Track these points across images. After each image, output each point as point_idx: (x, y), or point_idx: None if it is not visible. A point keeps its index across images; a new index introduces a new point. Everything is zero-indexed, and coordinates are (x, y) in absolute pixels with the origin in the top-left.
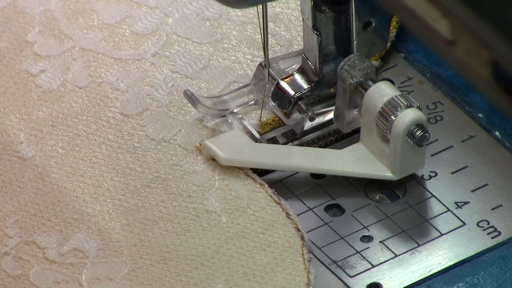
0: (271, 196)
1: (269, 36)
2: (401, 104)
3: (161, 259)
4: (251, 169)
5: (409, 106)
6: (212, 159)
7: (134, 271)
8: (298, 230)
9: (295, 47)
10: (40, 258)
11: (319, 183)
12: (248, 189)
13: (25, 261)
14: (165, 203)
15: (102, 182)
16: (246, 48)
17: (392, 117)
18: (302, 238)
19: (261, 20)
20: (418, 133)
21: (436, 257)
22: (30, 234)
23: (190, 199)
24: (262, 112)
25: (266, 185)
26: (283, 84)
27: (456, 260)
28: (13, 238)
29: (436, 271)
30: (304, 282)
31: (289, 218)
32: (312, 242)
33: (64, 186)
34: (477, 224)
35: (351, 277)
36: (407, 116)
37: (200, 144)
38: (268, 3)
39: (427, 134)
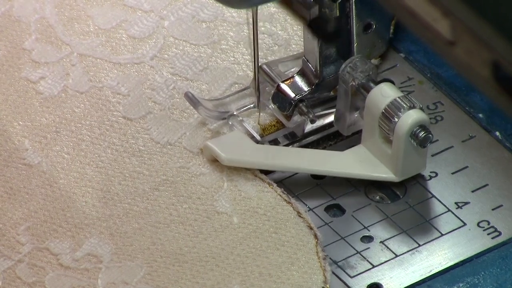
0: (280, 196)
1: (266, 36)
2: (404, 105)
3: (176, 262)
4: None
5: (412, 107)
6: (216, 160)
7: (149, 274)
8: (311, 228)
9: (293, 46)
10: (55, 265)
11: (320, 184)
12: (257, 189)
13: (40, 268)
14: (175, 205)
15: (110, 186)
16: (244, 49)
17: (395, 118)
18: (316, 236)
19: (253, 25)
20: (421, 134)
21: (437, 257)
22: (42, 240)
23: (200, 201)
24: (265, 115)
25: (275, 185)
26: (284, 86)
27: (456, 260)
28: (26, 245)
29: (437, 271)
30: (320, 280)
31: (300, 216)
32: None
33: (72, 192)
34: (478, 224)
35: (351, 277)
36: (410, 117)
37: None
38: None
39: (430, 135)
